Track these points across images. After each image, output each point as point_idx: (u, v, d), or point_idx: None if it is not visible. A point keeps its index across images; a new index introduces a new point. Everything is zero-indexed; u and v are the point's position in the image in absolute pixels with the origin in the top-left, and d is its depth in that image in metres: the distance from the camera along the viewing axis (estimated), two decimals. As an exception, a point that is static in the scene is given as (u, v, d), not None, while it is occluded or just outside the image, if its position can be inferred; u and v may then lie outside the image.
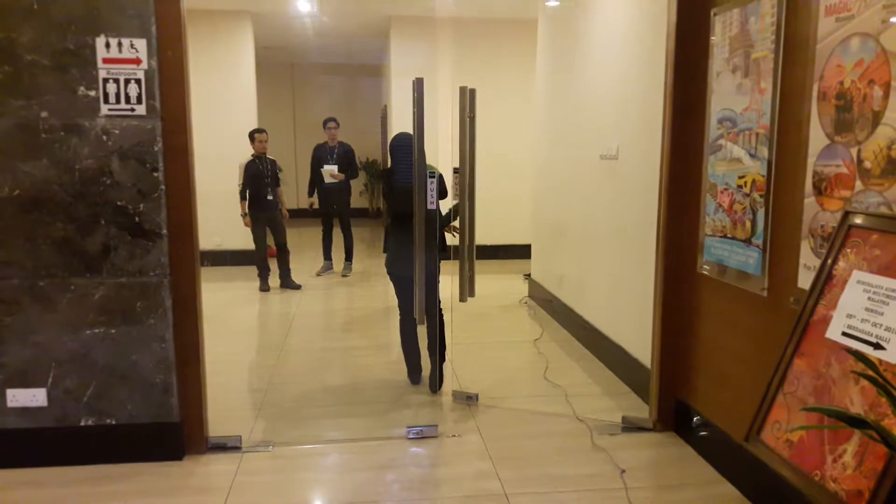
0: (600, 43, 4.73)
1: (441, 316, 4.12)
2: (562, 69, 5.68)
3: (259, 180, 6.94)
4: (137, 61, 2.96)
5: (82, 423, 3.15)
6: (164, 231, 3.09)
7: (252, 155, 6.99)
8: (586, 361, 4.65)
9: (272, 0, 7.90)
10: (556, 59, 5.89)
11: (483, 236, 8.03)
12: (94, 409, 3.15)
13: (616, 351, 4.35)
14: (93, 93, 2.95)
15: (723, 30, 3.04)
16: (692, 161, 3.28)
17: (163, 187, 3.06)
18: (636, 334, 4.06)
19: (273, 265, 7.19)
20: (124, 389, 3.16)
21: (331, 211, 7.76)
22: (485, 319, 5.81)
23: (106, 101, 2.96)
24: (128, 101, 2.97)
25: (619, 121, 4.37)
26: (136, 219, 3.06)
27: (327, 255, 7.93)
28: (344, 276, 7.80)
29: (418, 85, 3.17)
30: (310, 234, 9.88)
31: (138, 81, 2.97)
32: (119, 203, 3.04)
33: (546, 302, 6.03)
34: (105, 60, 2.94)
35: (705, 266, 3.19)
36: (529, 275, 6.97)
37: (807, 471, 1.84)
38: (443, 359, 4.20)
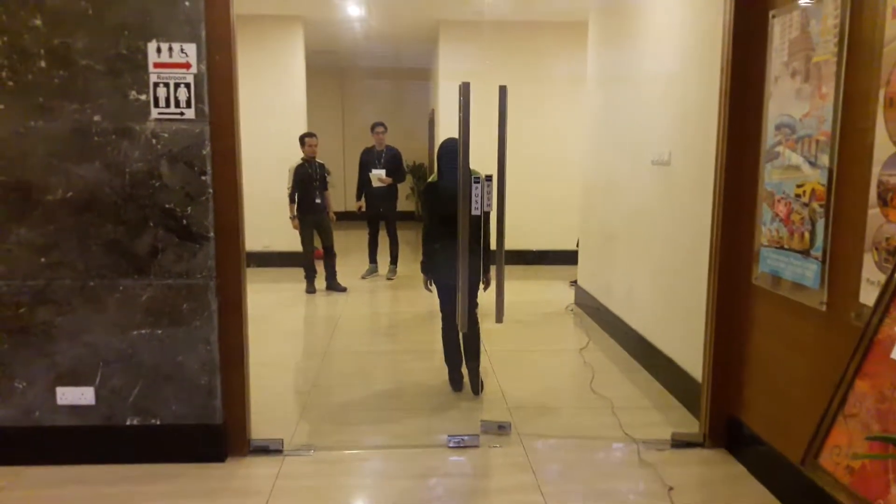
0: (654, 46, 4.62)
1: (476, 321, 4.08)
2: (613, 72, 5.58)
3: (308, 184, 7.00)
4: (187, 65, 2.99)
5: (128, 423, 3.20)
6: (211, 234, 3.11)
7: (302, 158, 7.06)
8: (634, 373, 4.53)
9: (323, 5, 7.98)
10: (607, 62, 5.79)
11: (528, 241, 7.94)
12: (139, 408, 3.19)
13: (665, 363, 4.22)
14: (144, 97, 3.00)
15: (782, 32, 2.91)
16: (748, 168, 3.16)
17: (210, 191, 3.09)
18: (687, 346, 3.94)
19: (319, 267, 7.24)
20: (169, 390, 3.19)
21: (377, 214, 7.78)
22: (529, 327, 5.73)
23: (156, 105, 3.00)
24: (177, 105, 3.01)
25: (671, 126, 4.26)
26: (184, 221, 3.09)
27: (373, 259, 7.95)
28: (389, 279, 7.80)
29: (465, 89, 3.13)
30: (357, 237, 9.93)
31: (188, 86, 3.00)
32: (167, 206, 3.07)
33: (593, 310, 5.92)
34: (156, 65, 2.98)
35: (760, 277, 3.07)
36: (576, 281, 6.86)
37: (870, 499, 1.73)
38: (478, 358, 4.16)
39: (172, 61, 2.99)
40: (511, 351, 4.93)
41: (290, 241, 7.55)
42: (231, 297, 3.21)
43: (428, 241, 4.15)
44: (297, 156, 7.11)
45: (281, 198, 7.14)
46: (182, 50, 2.98)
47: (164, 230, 3.09)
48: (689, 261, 3.91)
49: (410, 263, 8.43)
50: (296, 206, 7.02)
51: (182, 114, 3.02)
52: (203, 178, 3.07)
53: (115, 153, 3.03)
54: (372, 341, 5.53)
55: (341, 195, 12.67)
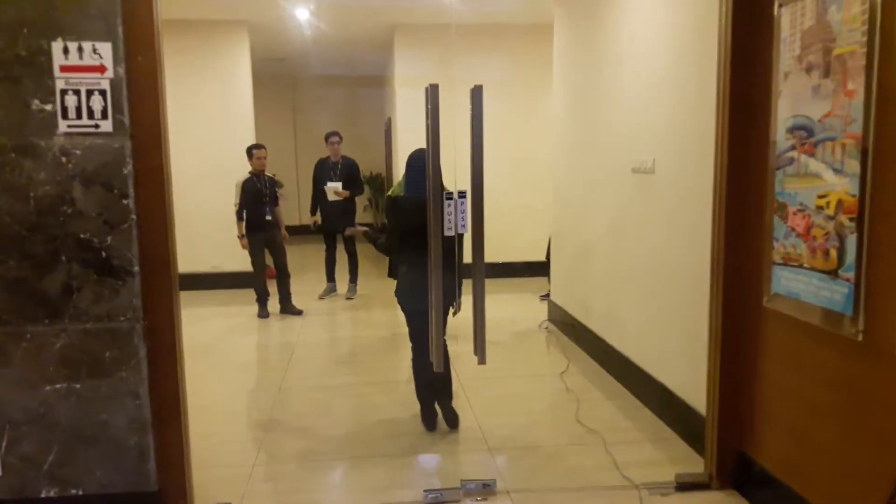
0: (632, 42, 4.27)
1: (445, 346, 3.63)
2: (584, 73, 5.23)
3: (257, 199, 6.49)
4: (101, 69, 2.51)
5: (43, 495, 2.68)
6: (136, 268, 2.62)
7: (249, 172, 6.54)
8: (622, 399, 4.15)
9: (270, 9, 7.47)
10: (577, 61, 5.44)
11: (494, 252, 7.51)
12: (57, 477, 2.68)
13: (659, 390, 3.86)
14: (49, 107, 2.50)
15: (792, 22, 2.57)
16: (754, 176, 2.80)
17: (133, 217, 2.60)
18: (684, 373, 3.58)
19: (273, 288, 6.72)
20: (93, 454, 2.68)
21: (334, 229, 7.28)
22: (501, 348, 5.32)
23: (65, 116, 2.51)
24: (91, 115, 2.52)
25: (655, 130, 3.90)
26: (103, 254, 2.60)
27: (330, 277, 7.46)
28: (348, 298, 7.32)
29: (432, 92, 2.71)
30: (312, 253, 9.43)
31: (103, 93, 2.51)
32: (82, 236, 2.57)
33: (569, 327, 5.55)
34: (63, 68, 2.49)
35: (773, 299, 2.71)
36: (548, 295, 6.50)
37: None
38: (450, 395, 3.77)
39: (83, 64, 2.50)
40: (486, 377, 4.50)
41: (241, 260, 7.01)
42: (163, 341, 2.72)
43: (393, 261, 3.78)
44: (245, 169, 6.59)
45: (229, 215, 6.61)
46: (95, 50, 2.50)
47: (80, 265, 2.59)
48: (684, 279, 3.56)
49: (372, 280, 7.97)
50: (244, 223, 6.49)
51: (97, 126, 2.53)
52: (124, 201, 2.58)
53: (15, 175, 2.52)
54: (332, 372, 5.04)
55: (295, 209, 12.12)
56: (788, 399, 2.69)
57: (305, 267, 8.93)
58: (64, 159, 2.53)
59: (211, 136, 7.67)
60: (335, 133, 7.31)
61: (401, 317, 3.74)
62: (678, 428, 3.62)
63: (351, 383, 4.71)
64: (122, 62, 2.52)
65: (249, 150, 6.61)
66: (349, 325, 6.55)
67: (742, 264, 2.91)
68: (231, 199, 6.58)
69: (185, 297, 7.00)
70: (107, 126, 2.53)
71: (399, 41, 8.19)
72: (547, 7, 6.20)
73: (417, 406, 3.80)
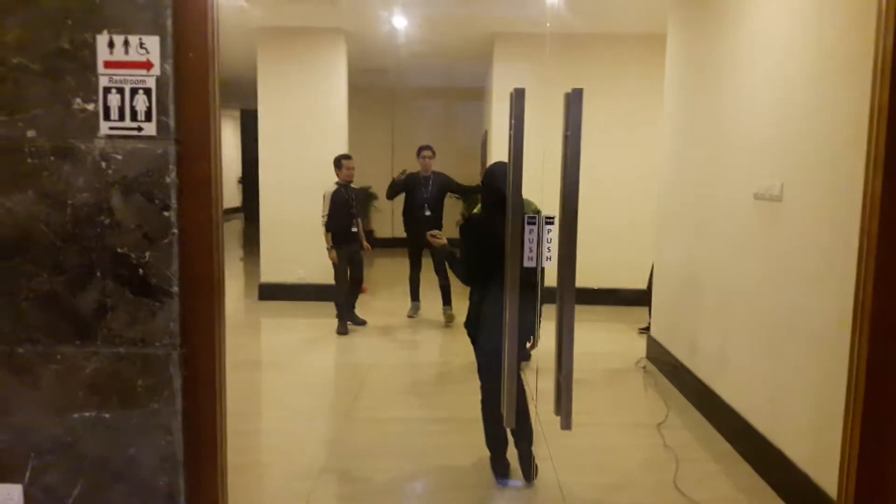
0: (761, 46, 3.70)
1: (521, 386, 3.19)
2: (699, 84, 4.66)
3: (344, 210, 6.27)
4: (147, 65, 2.25)
5: (67, 531, 2.43)
6: (175, 288, 2.34)
7: (336, 183, 6.33)
8: (730, 463, 3.56)
9: (368, 18, 7.30)
10: (692, 70, 4.87)
11: (587, 278, 6.90)
12: (82, 513, 2.43)
13: (775, 457, 3.25)
14: (91, 106, 2.26)
15: None
16: (921, 211, 2.21)
17: (175, 231, 2.32)
18: (808, 441, 2.97)
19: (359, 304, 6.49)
20: (119, 491, 2.41)
21: (421, 245, 6.89)
22: (591, 388, 4.80)
23: (107, 116, 2.26)
24: (134, 117, 2.26)
25: (785, 151, 3.32)
26: (140, 271, 2.33)
27: (415, 296, 7.12)
28: (447, 326, 6.72)
29: (518, 97, 2.30)
30: (402, 266, 9.18)
31: (147, 92, 2.25)
32: (119, 250, 2.31)
33: (670, 368, 4.95)
34: (107, 64, 2.24)
35: (945, 371, 2.11)
36: (647, 328, 5.91)
37: None
38: (529, 438, 3.29)
39: (129, 59, 2.24)
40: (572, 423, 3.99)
41: (325, 272, 6.80)
42: (201, 372, 2.42)
43: (468, 285, 3.40)
44: (332, 179, 6.38)
45: (317, 224, 6.40)
46: (141, 44, 2.24)
47: (115, 282, 2.33)
48: (815, 328, 2.96)
49: (461, 300, 7.58)
50: (331, 235, 6.28)
51: (140, 129, 2.27)
52: (165, 213, 2.31)
53: (53, 180, 2.29)
54: (403, 404, 4.64)
55: (388, 220, 11.98)
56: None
57: (396, 279, 8.67)
58: (104, 164, 2.29)
59: (303, 145, 7.55)
60: (428, 147, 6.94)
61: None
62: (801, 508, 3.01)
63: (422, 418, 4.33)
64: (171, 58, 2.25)
65: (338, 161, 6.42)
66: (430, 348, 6.20)
67: (893, 314, 2.31)
68: (319, 210, 6.39)
69: (269, 307, 6.91)
70: (150, 129, 2.27)
71: (499, 52, 7.84)
72: (660, 14, 5.65)
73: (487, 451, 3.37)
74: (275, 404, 4.30)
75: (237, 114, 17.55)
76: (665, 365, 5.06)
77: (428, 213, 6.76)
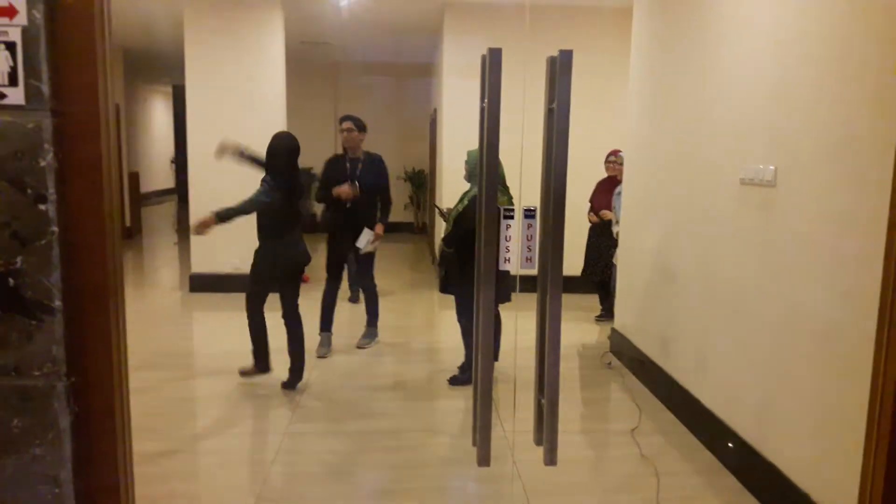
0: (751, 13, 3.34)
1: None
2: (673, 63, 4.29)
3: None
4: (10, 10, 1.71)
5: None
6: (58, 303, 1.82)
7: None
8: (714, 475, 3.24)
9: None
10: (664, 50, 4.50)
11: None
12: (-57, 588, 1.90)
13: (770, 475, 2.92)
14: (-66, 66, 1.71)
15: None
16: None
17: (54, 229, 1.79)
18: (815, 462, 2.65)
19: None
20: (-7, 560, 1.91)
21: (343, 251, 5.20)
22: (557, 387, 4.42)
23: (-43, 80, 1.72)
24: (-6, 80, 1.72)
25: (779, 131, 2.97)
26: (10, 281, 1.80)
27: (326, 324, 5.19)
28: (360, 347, 5.30)
29: (493, 59, 1.86)
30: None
31: (11, 46, 1.72)
32: (-20, 255, 1.79)
33: (637, 364, 4.63)
34: (-46, 10, 1.70)
35: None
36: (603, 316, 5.64)
37: None
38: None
39: (-16, 3, 1.70)
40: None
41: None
42: (97, 406, 1.91)
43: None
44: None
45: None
46: (1, -17, 1.70)
47: (-25, 296, 1.80)
48: (816, 330, 2.63)
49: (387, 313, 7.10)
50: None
51: (2, 96, 1.73)
52: (41, 207, 1.78)
53: None
54: (345, 413, 4.20)
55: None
56: None
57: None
58: (-45, 143, 1.75)
59: (236, 122, 6.92)
60: (348, 118, 5.10)
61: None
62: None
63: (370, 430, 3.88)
64: (42, 3, 1.72)
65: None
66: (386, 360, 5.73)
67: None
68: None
69: (207, 300, 6.24)
70: (16, 97, 1.73)
71: (449, 24, 7.33)
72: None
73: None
74: (209, 430, 3.79)
75: (169, 90, 16.54)
76: (632, 361, 4.74)
77: (350, 205, 5.00)
